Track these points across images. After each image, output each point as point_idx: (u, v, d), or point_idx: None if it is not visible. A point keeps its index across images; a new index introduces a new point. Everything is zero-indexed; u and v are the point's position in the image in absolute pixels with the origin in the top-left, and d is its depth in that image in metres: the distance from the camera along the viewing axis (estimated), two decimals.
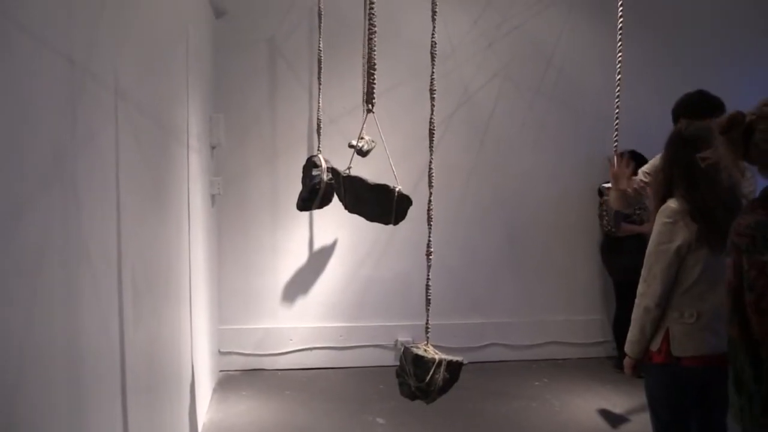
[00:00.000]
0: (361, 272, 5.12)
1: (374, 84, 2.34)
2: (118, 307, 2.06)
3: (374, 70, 2.31)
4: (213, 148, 4.53)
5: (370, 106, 2.37)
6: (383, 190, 2.48)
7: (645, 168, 3.48)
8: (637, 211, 4.85)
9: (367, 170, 3.46)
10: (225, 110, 4.74)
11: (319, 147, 3.45)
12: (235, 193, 4.90)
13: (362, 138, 4.41)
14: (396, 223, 2.53)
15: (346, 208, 2.80)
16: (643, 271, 2.64)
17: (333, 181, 2.96)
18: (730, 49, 5.51)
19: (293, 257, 5.05)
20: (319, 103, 3.55)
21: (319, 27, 3.44)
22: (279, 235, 5.01)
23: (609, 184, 3.84)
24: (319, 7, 3.44)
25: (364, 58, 4.51)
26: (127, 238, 2.15)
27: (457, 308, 5.23)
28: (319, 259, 5.08)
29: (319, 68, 3.46)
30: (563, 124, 5.32)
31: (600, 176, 4.74)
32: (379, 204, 2.49)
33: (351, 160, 2.85)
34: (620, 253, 5.07)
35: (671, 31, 5.42)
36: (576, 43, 5.30)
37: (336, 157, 3.73)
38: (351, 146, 4.20)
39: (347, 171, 2.77)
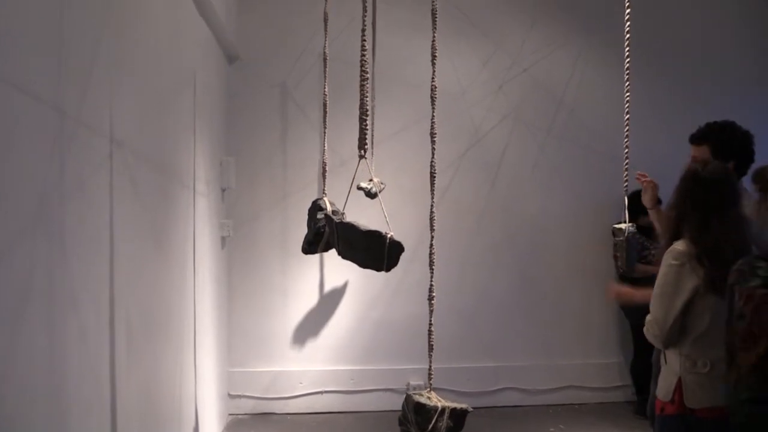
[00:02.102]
0: (371, 315, 5.07)
1: (366, 130, 2.34)
2: (109, 353, 2.05)
3: (366, 116, 2.32)
4: (223, 190, 4.57)
5: (362, 152, 2.36)
6: (375, 237, 2.46)
7: None
8: (652, 251, 4.76)
9: (370, 213, 3.46)
10: (236, 153, 4.80)
11: (324, 190, 3.46)
12: (245, 236, 4.92)
13: (371, 180, 4.43)
14: (388, 269, 2.49)
15: (339, 254, 2.79)
16: (648, 316, 2.56)
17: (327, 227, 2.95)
18: (741, 89, 5.46)
19: (303, 299, 5.03)
20: (324, 146, 3.57)
21: (324, 72, 3.49)
22: (289, 277, 5.00)
23: (621, 225, 3.77)
24: (325, 53, 3.49)
25: (373, 100, 4.57)
26: (122, 283, 2.16)
27: (469, 351, 5.14)
28: (329, 301, 5.05)
29: (325, 112, 3.49)
30: (575, 165, 5.28)
31: (613, 216, 4.67)
32: (370, 250, 2.47)
33: (345, 205, 2.84)
34: None
35: (681, 69, 5.40)
36: (586, 84, 5.30)
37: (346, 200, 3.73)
38: (360, 188, 4.22)
39: (341, 217, 2.76)
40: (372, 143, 4.47)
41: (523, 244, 5.24)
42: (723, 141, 3.05)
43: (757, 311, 1.65)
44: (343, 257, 2.76)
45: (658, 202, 3.55)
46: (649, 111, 5.09)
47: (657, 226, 3.38)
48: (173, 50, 3.04)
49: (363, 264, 2.61)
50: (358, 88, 4.49)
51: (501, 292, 5.21)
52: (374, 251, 2.43)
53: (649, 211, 3.40)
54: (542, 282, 5.26)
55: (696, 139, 3.16)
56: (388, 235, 2.45)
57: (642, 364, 4.85)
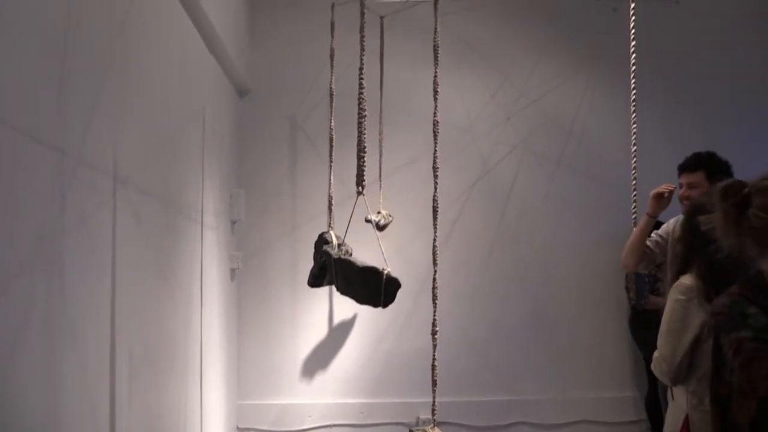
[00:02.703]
0: (381, 347, 5.04)
1: (364, 167, 2.37)
2: (109, 389, 2.06)
3: (364, 153, 2.34)
4: (233, 223, 4.61)
5: (360, 188, 2.38)
6: (372, 273, 2.47)
7: (660, 231, 3.41)
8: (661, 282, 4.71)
9: (376, 246, 3.47)
10: (246, 185, 4.85)
11: (330, 223, 3.48)
12: (255, 268, 4.94)
13: (379, 212, 4.45)
14: (385, 306, 2.49)
15: (338, 290, 2.80)
16: (656, 353, 2.53)
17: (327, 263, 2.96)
18: (751, 115, 5.42)
19: (313, 331, 5.02)
20: (330, 180, 3.60)
21: (331, 106, 3.54)
22: (299, 308, 5.00)
23: None
24: (331, 88, 3.55)
25: (381, 134, 4.62)
26: (124, 318, 2.17)
27: (480, 384, 5.09)
28: (338, 333, 5.04)
29: (331, 146, 3.54)
30: (585, 195, 5.26)
31: (624, 247, 4.63)
32: (368, 286, 2.47)
33: (345, 236, 2.86)
34: (649, 326, 4.86)
35: (690, 97, 5.36)
36: (594, 114, 5.30)
37: (354, 232, 3.74)
38: (368, 221, 4.23)
39: (341, 252, 2.78)
40: (380, 176, 4.52)
41: (534, 275, 5.20)
42: (714, 167, 3.23)
43: (746, 367, 1.57)
44: (342, 293, 2.77)
45: (657, 224, 3.57)
46: (660, 137, 5.06)
47: (636, 230, 3.39)
48: (182, 86, 3.10)
49: (361, 300, 2.62)
50: (365, 122, 4.57)
51: (512, 323, 5.17)
52: (371, 287, 2.44)
53: (647, 217, 3.39)
54: (554, 313, 5.21)
55: (688, 167, 3.28)
56: (385, 272, 2.45)
57: (656, 399, 4.76)
